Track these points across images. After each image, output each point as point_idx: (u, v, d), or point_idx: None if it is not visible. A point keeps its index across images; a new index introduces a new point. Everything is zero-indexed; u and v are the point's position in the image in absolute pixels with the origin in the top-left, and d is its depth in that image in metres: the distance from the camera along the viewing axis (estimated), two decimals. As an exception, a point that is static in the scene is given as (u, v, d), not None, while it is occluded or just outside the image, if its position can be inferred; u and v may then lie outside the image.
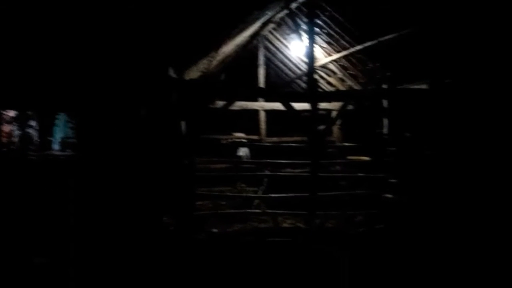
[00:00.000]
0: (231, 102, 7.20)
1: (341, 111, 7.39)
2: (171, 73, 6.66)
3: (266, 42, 12.17)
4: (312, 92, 7.10)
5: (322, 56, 10.88)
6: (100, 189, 6.00)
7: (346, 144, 10.89)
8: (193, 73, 8.34)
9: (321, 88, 12.14)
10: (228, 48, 10.53)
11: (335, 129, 11.38)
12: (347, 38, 9.30)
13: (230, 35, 7.64)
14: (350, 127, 11.59)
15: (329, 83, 11.97)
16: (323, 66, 11.17)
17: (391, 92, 8.09)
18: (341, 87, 11.36)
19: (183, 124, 6.95)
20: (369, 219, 7.45)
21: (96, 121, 6.41)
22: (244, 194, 9.64)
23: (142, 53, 6.38)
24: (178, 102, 7.00)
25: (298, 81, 13.69)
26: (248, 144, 10.68)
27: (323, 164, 9.33)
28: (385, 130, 9.02)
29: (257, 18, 8.47)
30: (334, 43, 9.99)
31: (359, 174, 9.09)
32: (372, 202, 7.95)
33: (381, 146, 9.05)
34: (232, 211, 8.37)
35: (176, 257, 5.40)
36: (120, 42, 6.27)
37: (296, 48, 11.31)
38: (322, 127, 8.55)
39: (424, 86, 7.05)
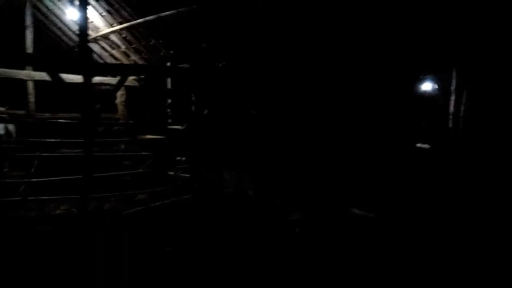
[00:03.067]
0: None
1: (119, 86, 6.95)
2: None
3: (36, 1, 10.38)
4: (85, 63, 6.39)
5: (103, 26, 10.02)
6: None
7: (131, 122, 10.50)
8: None
9: (104, 61, 11.26)
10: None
11: (120, 106, 10.81)
12: (128, 9, 8.79)
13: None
14: (137, 105, 11.23)
15: (113, 56, 11.19)
16: (105, 37, 10.32)
17: (171, 70, 8.12)
18: (126, 62, 10.79)
19: None
20: (151, 197, 7.40)
21: None
22: (8, 180, 8.14)
23: None
24: None
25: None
26: (11, 120, 9.02)
27: (106, 142, 8.76)
28: (169, 109, 9.08)
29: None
30: (115, 13, 9.30)
31: (144, 153, 8.91)
32: (157, 180, 7.92)
33: (168, 124, 9.09)
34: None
35: None
36: None
37: (72, 13, 10.05)
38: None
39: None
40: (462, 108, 6.09)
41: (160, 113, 9.41)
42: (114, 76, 9.74)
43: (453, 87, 6.50)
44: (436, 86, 8.47)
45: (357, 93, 7.20)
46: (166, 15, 7.52)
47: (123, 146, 9.82)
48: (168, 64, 8.99)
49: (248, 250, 4.78)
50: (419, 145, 7.48)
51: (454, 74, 6.58)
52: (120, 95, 10.74)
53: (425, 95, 8.76)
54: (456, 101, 6.28)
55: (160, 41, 9.07)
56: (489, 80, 5.97)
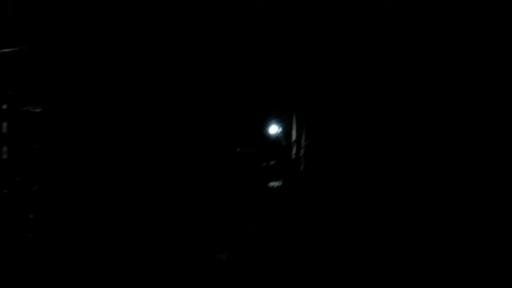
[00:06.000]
0: None
1: None
2: None
3: None
4: None
5: None
6: None
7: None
8: None
9: None
10: None
11: None
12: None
13: None
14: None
15: None
16: None
17: (9, 113, 7.23)
18: None
19: None
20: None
21: None
22: None
23: None
24: None
25: None
26: None
27: None
28: (5, 157, 7.89)
29: None
30: None
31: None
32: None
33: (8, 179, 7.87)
34: None
35: None
36: None
37: None
38: None
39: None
40: (302, 149, 7.00)
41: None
42: None
43: (293, 130, 7.43)
44: (280, 129, 9.47)
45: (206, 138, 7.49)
46: (4, 52, 6.74)
47: None
48: (5, 106, 7.90)
49: None
50: (272, 183, 8.11)
51: (294, 118, 7.54)
52: None
53: (273, 137, 9.67)
54: (296, 143, 7.19)
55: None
56: (322, 126, 7.02)
